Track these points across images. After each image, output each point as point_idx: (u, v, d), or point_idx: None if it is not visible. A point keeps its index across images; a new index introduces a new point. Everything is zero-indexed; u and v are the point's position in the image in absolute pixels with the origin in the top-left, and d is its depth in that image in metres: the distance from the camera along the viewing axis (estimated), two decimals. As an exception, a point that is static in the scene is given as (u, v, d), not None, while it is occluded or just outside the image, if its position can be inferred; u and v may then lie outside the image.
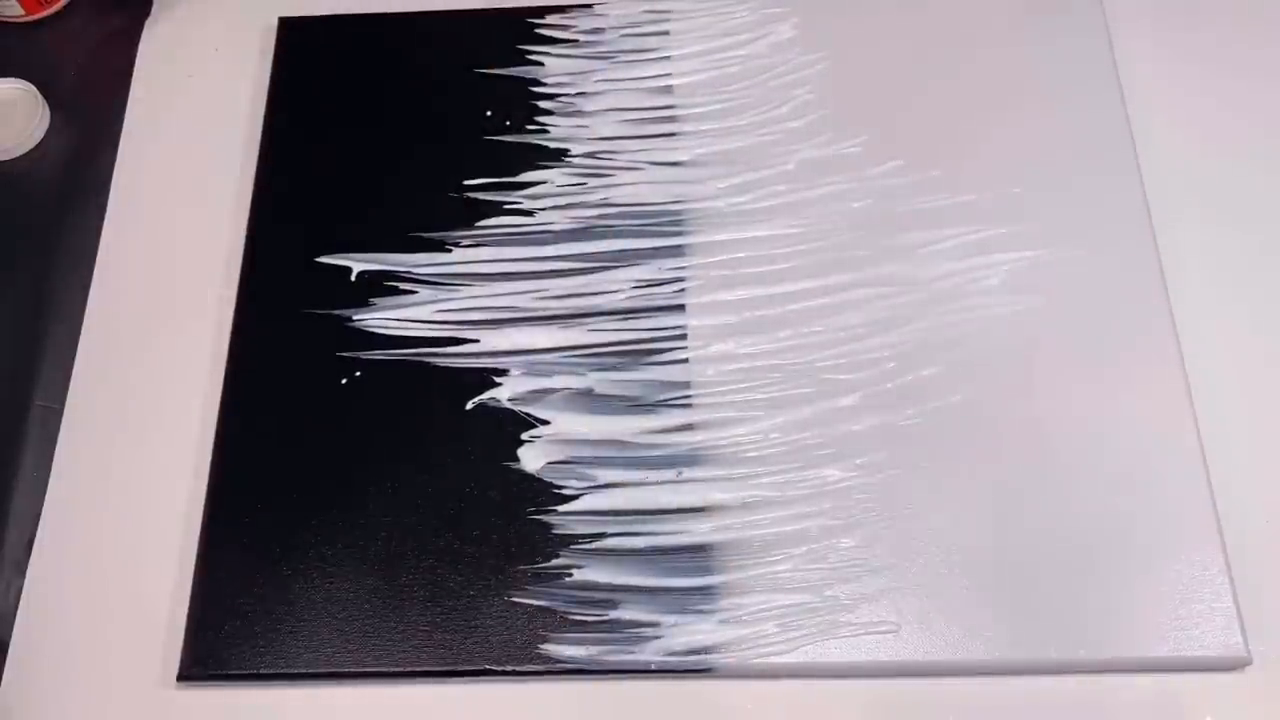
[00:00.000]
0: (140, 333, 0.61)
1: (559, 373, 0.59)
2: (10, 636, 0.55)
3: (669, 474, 0.56)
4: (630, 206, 0.63)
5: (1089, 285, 0.59)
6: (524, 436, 0.57)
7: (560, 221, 0.63)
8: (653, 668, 0.52)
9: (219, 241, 0.63)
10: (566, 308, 0.60)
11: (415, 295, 0.61)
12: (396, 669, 0.53)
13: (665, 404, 0.58)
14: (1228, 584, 0.52)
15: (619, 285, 0.61)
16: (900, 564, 0.54)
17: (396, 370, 0.59)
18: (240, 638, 0.53)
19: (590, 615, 0.53)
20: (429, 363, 0.59)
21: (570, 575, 0.54)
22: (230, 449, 0.58)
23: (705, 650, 0.52)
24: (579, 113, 0.66)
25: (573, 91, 0.66)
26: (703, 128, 0.65)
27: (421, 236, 0.62)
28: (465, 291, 0.61)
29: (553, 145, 0.65)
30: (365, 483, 0.56)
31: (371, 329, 0.60)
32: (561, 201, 0.63)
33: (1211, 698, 0.52)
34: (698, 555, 0.54)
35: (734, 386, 0.58)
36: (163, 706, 0.53)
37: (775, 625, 0.53)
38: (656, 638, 0.53)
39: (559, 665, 0.52)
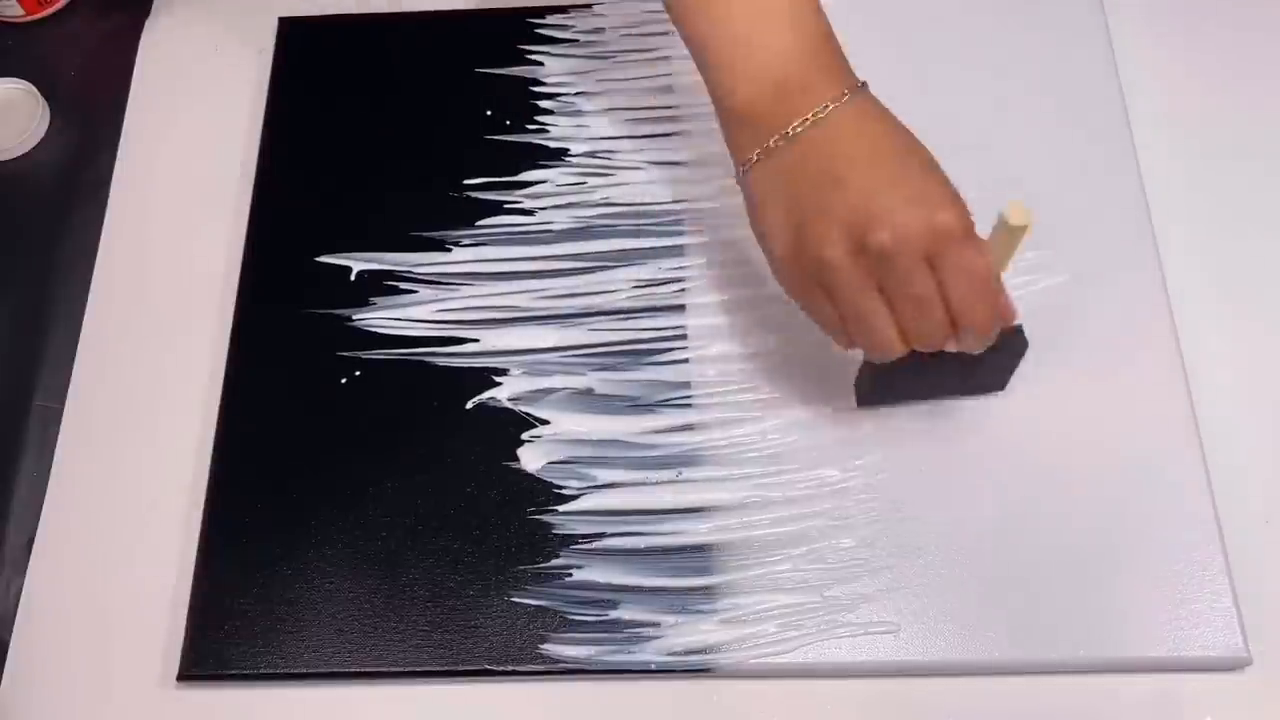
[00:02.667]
0: (140, 333, 0.61)
1: (559, 373, 0.59)
2: (10, 636, 0.55)
3: (669, 474, 0.56)
4: (630, 206, 0.63)
5: (1089, 286, 0.59)
6: (524, 436, 0.57)
7: (560, 221, 0.63)
8: (653, 668, 0.52)
9: (219, 241, 0.63)
10: (567, 307, 0.60)
11: (415, 295, 0.61)
12: (396, 669, 0.53)
13: (665, 404, 0.58)
14: (1228, 584, 0.52)
15: (619, 285, 0.61)
16: (900, 564, 0.54)
17: (397, 370, 0.59)
18: (240, 638, 0.53)
19: (590, 615, 0.53)
20: (429, 363, 0.59)
21: (570, 575, 0.54)
22: (230, 449, 0.58)
23: (705, 650, 0.52)
24: (579, 112, 0.66)
25: (573, 91, 0.66)
26: (703, 128, 0.65)
27: (421, 236, 0.62)
28: (465, 291, 0.61)
29: (553, 145, 0.65)
30: (365, 483, 0.56)
31: (372, 329, 0.60)
32: (561, 201, 0.63)
33: (1211, 698, 0.52)
34: (698, 555, 0.54)
35: (734, 387, 0.58)
36: (163, 706, 0.53)
37: (775, 625, 0.53)
38: (656, 638, 0.53)
39: (559, 665, 0.52)
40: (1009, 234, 0.47)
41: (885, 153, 0.48)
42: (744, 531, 0.55)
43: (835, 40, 0.51)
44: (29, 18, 0.71)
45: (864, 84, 0.50)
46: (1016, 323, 0.51)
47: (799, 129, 0.48)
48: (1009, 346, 0.53)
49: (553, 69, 0.67)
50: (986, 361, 0.52)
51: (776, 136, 0.49)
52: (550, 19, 0.69)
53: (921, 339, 0.48)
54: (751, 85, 0.50)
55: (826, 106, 0.48)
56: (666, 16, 0.68)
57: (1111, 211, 0.61)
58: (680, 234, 0.62)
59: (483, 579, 0.54)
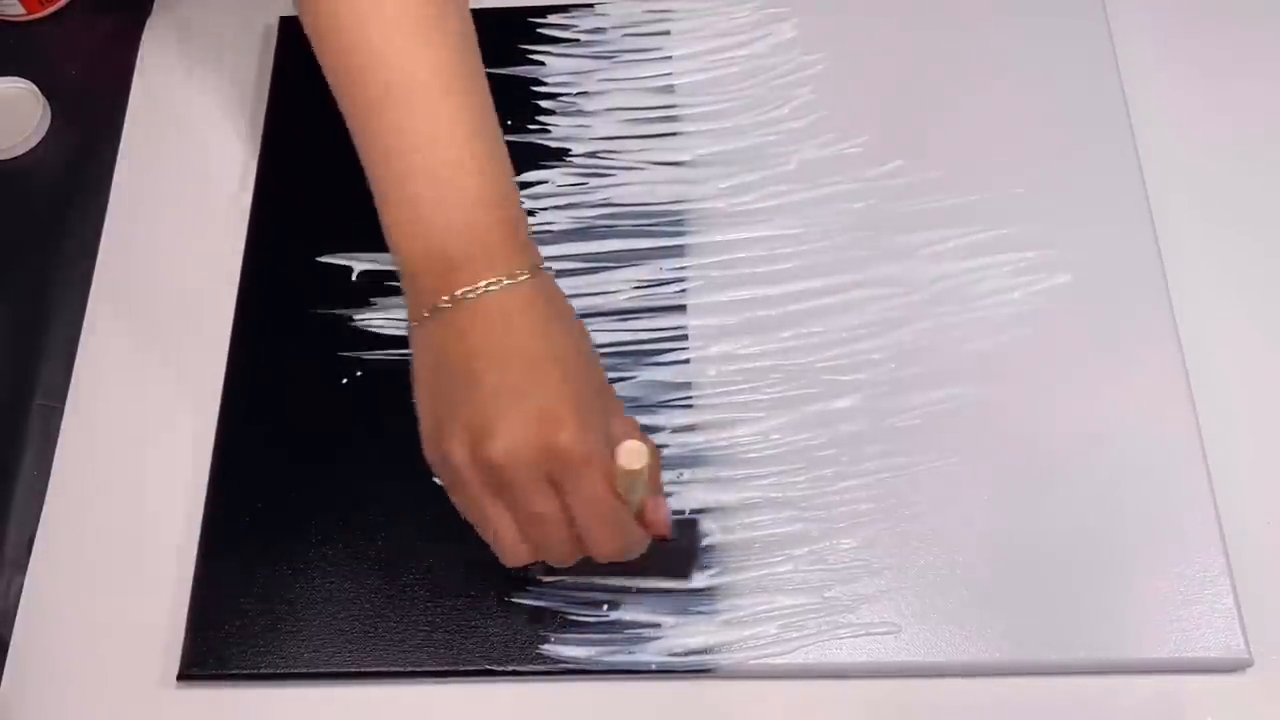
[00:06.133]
0: (140, 332, 0.61)
1: (560, 373, 0.58)
2: (10, 636, 0.55)
3: (670, 475, 0.56)
4: (631, 206, 0.63)
5: (1090, 286, 0.59)
6: (524, 437, 0.57)
7: (561, 221, 0.63)
8: (653, 668, 0.52)
9: (219, 241, 0.63)
10: (567, 308, 0.60)
11: (416, 295, 0.61)
12: (396, 669, 0.53)
13: (666, 405, 0.58)
14: (1229, 585, 0.52)
15: (620, 285, 0.61)
16: (900, 565, 0.53)
17: (398, 370, 0.58)
18: (240, 638, 0.53)
19: (590, 615, 0.53)
20: (429, 363, 0.59)
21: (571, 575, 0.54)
22: (230, 449, 0.57)
23: (706, 651, 0.52)
24: (580, 112, 0.66)
25: (574, 91, 0.66)
26: (704, 128, 0.65)
27: (422, 236, 0.62)
28: (466, 291, 0.61)
29: (554, 145, 0.65)
30: (365, 483, 0.56)
31: (373, 329, 0.60)
32: (562, 201, 0.63)
33: (1213, 699, 0.52)
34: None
35: (735, 387, 0.58)
36: (163, 706, 0.53)
37: (776, 626, 0.53)
38: (657, 638, 0.53)
39: (559, 665, 0.52)
40: (627, 475, 0.44)
41: (525, 353, 0.45)
42: (745, 532, 0.55)
43: (520, 216, 0.48)
44: (30, 17, 0.71)
45: (545, 267, 0.47)
46: (689, 516, 0.52)
47: (447, 305, 0.45)
48: (684, 540, 0.53)
49: (554, 68, 0.67)
50: (664, 554, 0.51)
51: (438, 303, 0.46)
52: (551, 18, 0.69)
53: (548, 554, 0.46)
54: (419, 244, 0.47)
55: (481, 287, 0.45)
56: (668, 16, 0.68)
57: (1112, 211, 0.61)
58: (681, 234, 0.62)
59: (483, 579, 0.54)
